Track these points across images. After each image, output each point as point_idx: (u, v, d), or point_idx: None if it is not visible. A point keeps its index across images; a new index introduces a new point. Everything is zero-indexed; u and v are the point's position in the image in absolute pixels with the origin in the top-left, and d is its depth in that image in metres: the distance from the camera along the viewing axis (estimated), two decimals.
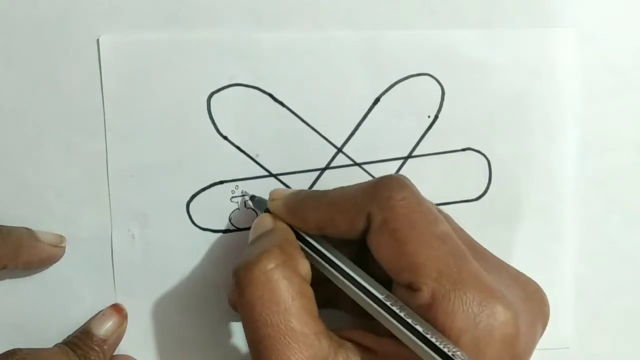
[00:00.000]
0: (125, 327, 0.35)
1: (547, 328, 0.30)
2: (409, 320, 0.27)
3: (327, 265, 0.30)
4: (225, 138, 0.35)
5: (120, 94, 0.34)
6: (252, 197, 0.34)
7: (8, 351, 0.31)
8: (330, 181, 0.35)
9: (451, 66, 0.36)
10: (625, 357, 0.39)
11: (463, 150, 0.36)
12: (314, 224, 0.30)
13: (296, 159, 0.35)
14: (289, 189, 0.32)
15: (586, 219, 0.38)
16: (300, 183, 0.35)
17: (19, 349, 0.31)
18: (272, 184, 0.35)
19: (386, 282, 0.29)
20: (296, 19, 0.35)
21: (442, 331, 0.26)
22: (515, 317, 0.27)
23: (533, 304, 0.29)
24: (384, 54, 0.35)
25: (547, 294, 0.30)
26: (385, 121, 0.36)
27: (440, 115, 0.36)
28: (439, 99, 0.36)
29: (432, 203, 0.30)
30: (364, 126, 0.36)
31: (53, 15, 0.34)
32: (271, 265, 0.28)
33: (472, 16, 0.36)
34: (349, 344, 0.28)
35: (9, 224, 0.33)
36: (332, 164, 0.36)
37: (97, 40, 0.34)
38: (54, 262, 0.34)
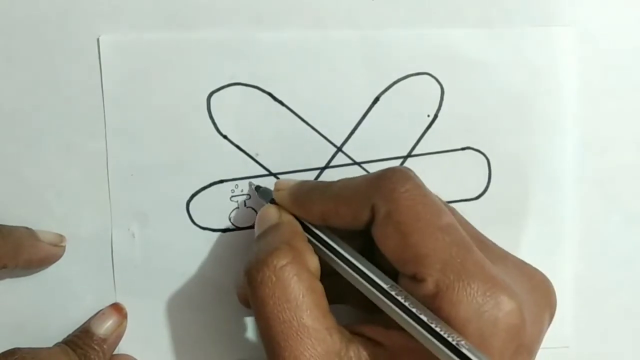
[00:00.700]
0: (125, 326, 0.35)
1: None
2: (414, 310, 0.27)
3: (332, 255, 0.30)
4: (225, 137, 0.35)
5: (120, 93, 0.34)
6: (258, 188, 0.35)
7: (8, 350, 0.31)
8: (330, 180, 0.35)
9: (451, 65, 0.36)
10: (625, 357, 0.39)
11: (463, 149, 0.36)
12: (318, 215, 0.30)
13: (296, 158, 0.35)
14: (294, 180, 0.33)
15: (586, 218, 0.38)
16: None
17: (19, 349, 0.31)
18: (272, 183, 0.35)
19: (392, 273, 0.29)
20: (296, 18, 0.35)
21: (447, 321, 0.26)
22: (520, 307, 0.27)
23: (539, 294, 0.30)
24: (383, 53, 0.35)
25: None
26: (385, 120, 0.36)
27: (439, 115, 0.36)
28: (439, 98, 0.36)
29: (436, 195, 0.30)
30: (363, 125, 0.36)
31: (53, 15, 0.34)
32: (282, 263, 0.28)
33: (471, 15, 0.36)
34: (359, 338, 0.29)
35: (9, 224, 0.33)
36: (332, 163, 0.36)
37: (97, 40, 0.34)
38: (54, 262, 0.34)
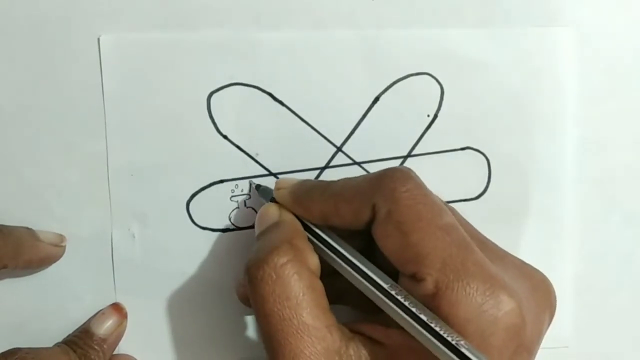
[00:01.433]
0: (125, 326, 0.35)
1: None
2: (413, 309, 0.27)
3: (332, 254, 0.30)
4: (225, 137, 0.35)
5: (120, 93, 0.34)
6: (258, 187, 0.35)
7: (8, 350, 0.31)
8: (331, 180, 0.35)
9: (450, 65, 0.36)
10: (625, 357, 0.39)
11: (462, 149, 0.36)
12: (319, 214, 0.30)
13: (296, 158, 0.35)
14: (295, 179, 0.33)
15: (586, 218, 0.38)
16: None
17: (19, 348, 0.31)
18: (272, 183, 0.35)
19: (392, 273, 0.29)
20: (296, 18, 0.35)
21: (446, 321, 0.26)
22: (519, 307, 0.27)
23: (539, 294, 0.30)
24: (383, 54, 0.35)
25: None
26: (385, 120, 0.36)
27: (439, 115, 0.36)
28: (439, 98, 0.36)
29: (436, 195, 0.30)
30: (363, 125, 0.36)
31: (53, 15, 0.34)
32: (282, 261, 0.28)
33: (471, 15, 0.36)
34: (359, 337, 0.29)
35: (9, 224, 0.33)
36: (332, 163, 0.36)
37: (98, 40, 0.34)
38: (54, 262, 0.34)
